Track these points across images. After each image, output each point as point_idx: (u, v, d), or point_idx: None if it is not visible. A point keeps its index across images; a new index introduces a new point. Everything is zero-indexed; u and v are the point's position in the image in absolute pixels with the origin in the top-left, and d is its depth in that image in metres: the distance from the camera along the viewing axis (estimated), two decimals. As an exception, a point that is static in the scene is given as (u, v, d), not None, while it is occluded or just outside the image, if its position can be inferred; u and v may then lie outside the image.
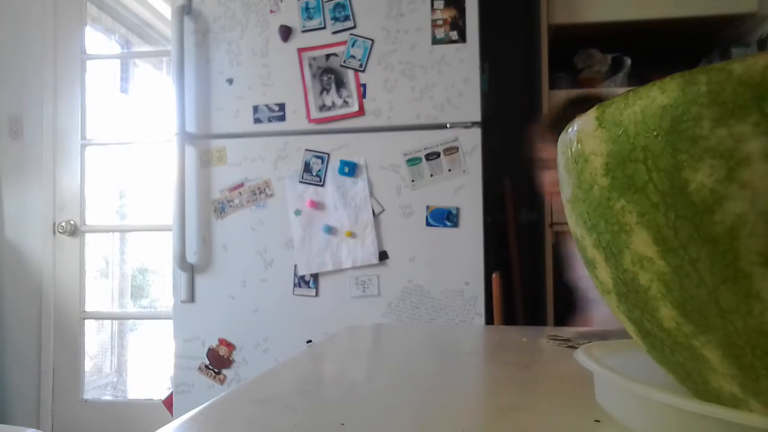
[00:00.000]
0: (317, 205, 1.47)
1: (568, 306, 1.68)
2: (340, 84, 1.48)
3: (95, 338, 2.47)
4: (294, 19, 1.50)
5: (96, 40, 2.39)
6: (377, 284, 1.45)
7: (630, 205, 0.25)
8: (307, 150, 1.49)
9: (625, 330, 0.33)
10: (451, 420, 0.35)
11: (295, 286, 1.48)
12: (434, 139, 1.43)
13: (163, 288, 2.56)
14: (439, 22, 1.44)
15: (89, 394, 2.24)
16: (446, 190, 1.42)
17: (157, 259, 2.58)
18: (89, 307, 2.22)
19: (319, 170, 1.48)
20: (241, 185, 1.52)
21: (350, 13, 1.47)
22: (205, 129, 1.55)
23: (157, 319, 2.41)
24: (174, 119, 1.52)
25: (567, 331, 0.70)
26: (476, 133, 1.42)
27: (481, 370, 0.50)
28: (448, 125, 1.43)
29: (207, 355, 1.52)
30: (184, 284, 1.53)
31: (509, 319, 1.67)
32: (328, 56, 1.48)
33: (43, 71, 2.19)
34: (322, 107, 1.48)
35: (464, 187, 1.41)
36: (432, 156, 1.43)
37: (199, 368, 1.53)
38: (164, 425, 0.34)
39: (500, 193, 1.84)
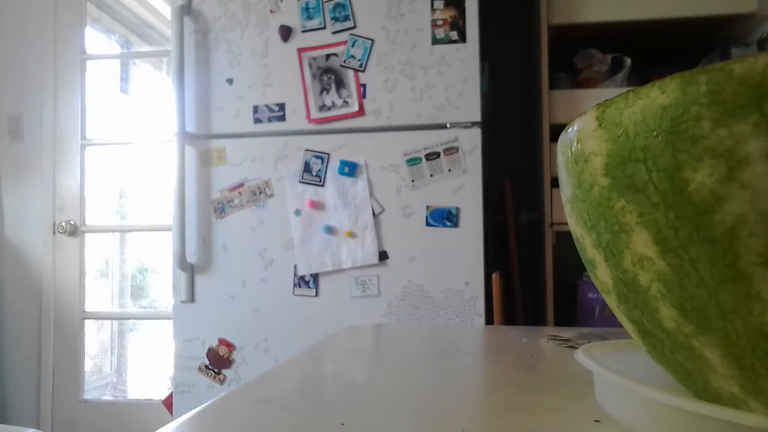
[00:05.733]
0: (317, 205, 1.47)
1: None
2: (340, 84, 1.48)
3: (95, 338, 2.47)
4: (294, 19, 1.50)
5: (96, 40, 2.39)
6: (377, 284, 1.45)
7: (630, 205, 0.25)
8: (307, 150, 1.49)
9: (625, 330, 0.33)
10: (451, 420, 0.35)
11: (295, 286, 1.48)
12: (434, 139, 1.43)
13: (163, 288, 2.56)
14: (439, 22, 1.44)
15: (89, 394, 2.24)
16: (446, 190, 1.42)
17: (157, 259, 2.58)
18: (89, 307, 2.22)
19: (319, 170, 1.48)
20: (241, 185, 1.52)
21: (350, 13, 1.47)
22: (205, 129, 1.55)
23: (157, 319, 2.41)
24: (174, 119, 1.52)
25: (567, 331, 0.70)
26: (476, 133, 1.42)
27: (481, 370, 0.50)
28: (448, 125, 1.43)
29: (207, 355, 1.53)
30: (184, 284, 1.53)
31: (509, 319, 1.67)
32: (328, 56, 1.48)
33: (43, 71, 2.19)
34: (322, 107, 1.49)
35: (464, 187, 1.41)
36: (432, 156, 1.43)
37: (199, 368, 1.53)
38: (164, 425, 0.34)
39: (500, 193, 1.84)
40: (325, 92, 1.48)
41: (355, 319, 1.44)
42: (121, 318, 2.60)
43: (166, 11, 2.41)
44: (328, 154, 1.48)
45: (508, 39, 2.03)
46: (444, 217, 1.42)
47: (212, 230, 1.53)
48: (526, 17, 2.01)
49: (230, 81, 1.53)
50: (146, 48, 2.68)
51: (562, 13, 1.59)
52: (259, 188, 1.51)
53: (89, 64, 2.24)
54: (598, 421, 0.34)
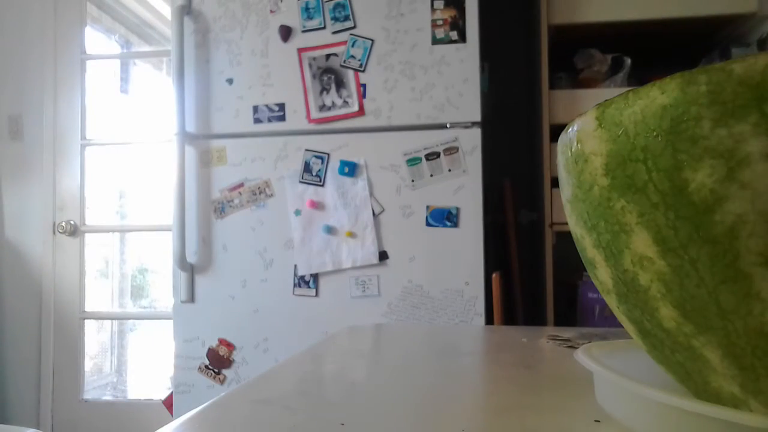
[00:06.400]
0: (317, 205, 1.47)
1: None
2: (340, 84, 1.48)
3: (95, 338, 2.47)
4: (294, 19, 1.50)
5: (96, 40, 2.39)
6: (377, 284, 1.45)
7: (630, 205, 0.25)
8: (307, 150, 1.49)
9: (625, 330, 0.33)
10: (451, 420, 0.35)
11: (295, 286, 1.48)
12: (434, 139, 1.43)
13: (163, 288, 2.56)
14: (439, 22, 1.44)
15: (89, 394, 2.24)
16: (446, 190, 1.42)
17: (157, 259, 2.58)
18: (89, 307, 2.22)
19: (319, 170, 1.48)
20: (241, 185, 1.52)
21: (350, 13, 1.47)
22: (205, 129, 1.55)
23: (157, 319, 2.41)
24: (174, 119, 1.52)
25: (567, 331, 0.70)
26: (476, 133, 1.42)
27: (481, 370, 0.50)
28: (448, 125, 1.43)
29: (207, 355, 1.53)
30: (184, 284, 1.53)
31: (509, 319, 1.67)
32: (328, 56, 1.48)
33: (43, 71, 2.19)
34: (322, 107, 1.48)
35: (464, 187, 1.41)
36: (432, 156, 1.43)
37: (199, 368, 1.53)
38: (164, 425, 0.34)
39: (500, 193, 1.84)
40: (325, 92, 1.48)
41: (355, 319, 1.44)
42: (121, 318, 2.60)
43: (166, 11, 2.41)
44: (328, 154, 1.48)
45: (508, 39, 2.03)
46: (444, 217, 1.42)
47: (212, 230, 1.53)
48: (526, 17, 2.01)
49: (230, 81, 1.53)
50: (146, 48, 2.68)
51: (562, 13, 1.59)
52: (259, 188, 1.51)
53: (89, 64, 2.24)
54: (598, 421, 0.34)
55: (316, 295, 1.47)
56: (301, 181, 1.49)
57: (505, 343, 0.64)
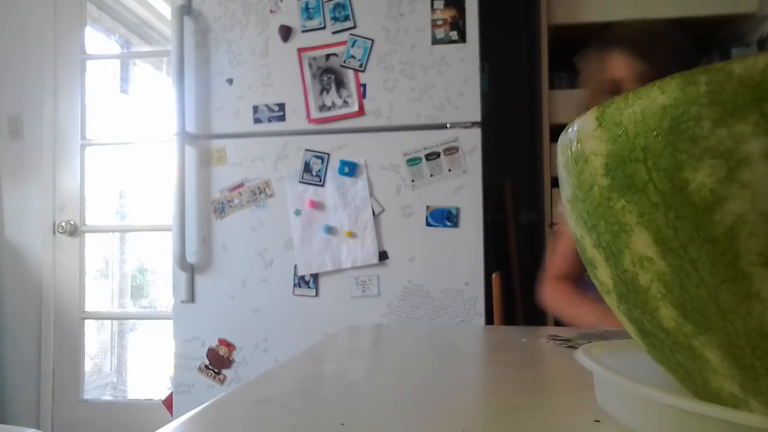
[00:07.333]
0: (317, 205, 1.47)
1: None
2: (340, 84, 1.48)
3: (95, 338, 2.47)
4: (294, 19, 1.50)
5: (96, 40, 2.39)
6: (377, 284, 1.44)
7: (630, 205, 0.25)
8: (307, 150, 1.49)
9: (625, 330, 0.33)
10: (451, 420, 0.35)
11: (295, 286, 1.48)
12: (434, 139, 1.43)
13: (163, 288, 2.56)
14: (439, 22, 1.44)
15: (89, 394, 2.24)
16: (446, 190, 1.42)
17: (157, 259, 2.58)
18: (89, 307, 2.22)
19: (319, 170, 1.48)
20: (241, 185, 1.52)
21: (350, 13, 1.47)
22: (205, 129, 1.55)
23: (157, 319, 2.41)
24: (174, 119, 1.52)
25: (567, 331, 0.70)
26: (476, 133, 1.42)
27: (481, 370, 0.50)
28: (448, 125, 1.43)
29: (207, 355, 1.52)
30: (184, 284, 1.53)
31: (509, 319, 1.67)
32: (328, 56, 1.48)
33: (43, 71, 2.19)
34: (322, 107, 1.48)
35: (464, 187, 1.41)
36: (432, 156, 1.43)
37: (199, 368, 1.53)
38: (164, 425, 0.34)
39: (500, 193, 1.84)
40: (325, 92, 1.48)
41: (355, 319, 1.44)
42: (121, 318, 2.60)
43: (166, 11, 2.41)
44: (328, 154, 1.48)
45: (508, 39, 2.03)
46: (444, 217, 1.42)
47: (212, 230, 1.53)
48: (526, 17, 2.01)
49: (230, 81, 1.53)
50: (146, 48, 2.68)
51: (562, 13, 1.59)
52: (259, 188, 1.51)
53: (89, 64, 2.24)
54: (598, 421, 0.34)
55: (316, 295, 1.47)
56: (301, 181, 1.49)
57: (505, 343, 0.64)
